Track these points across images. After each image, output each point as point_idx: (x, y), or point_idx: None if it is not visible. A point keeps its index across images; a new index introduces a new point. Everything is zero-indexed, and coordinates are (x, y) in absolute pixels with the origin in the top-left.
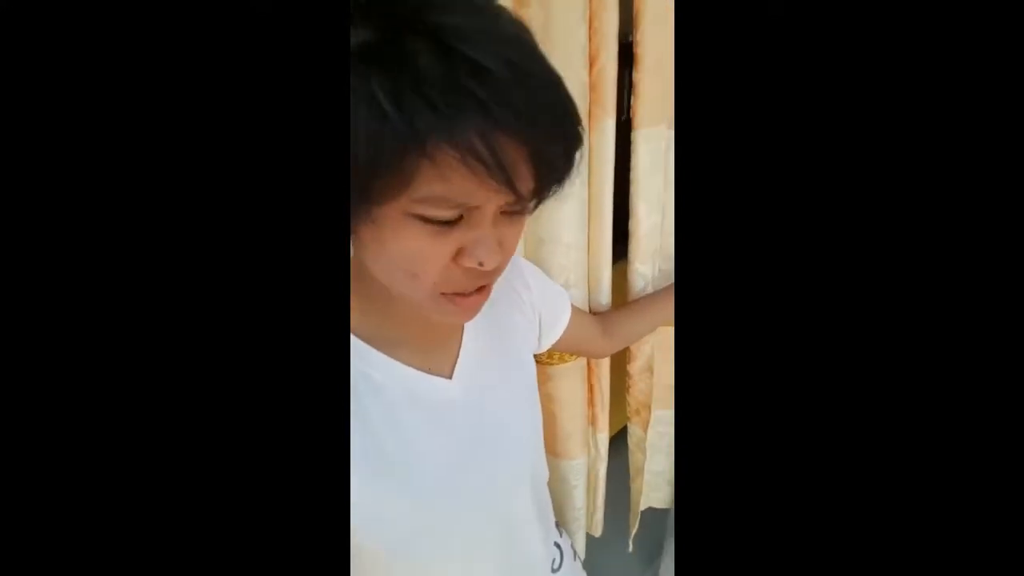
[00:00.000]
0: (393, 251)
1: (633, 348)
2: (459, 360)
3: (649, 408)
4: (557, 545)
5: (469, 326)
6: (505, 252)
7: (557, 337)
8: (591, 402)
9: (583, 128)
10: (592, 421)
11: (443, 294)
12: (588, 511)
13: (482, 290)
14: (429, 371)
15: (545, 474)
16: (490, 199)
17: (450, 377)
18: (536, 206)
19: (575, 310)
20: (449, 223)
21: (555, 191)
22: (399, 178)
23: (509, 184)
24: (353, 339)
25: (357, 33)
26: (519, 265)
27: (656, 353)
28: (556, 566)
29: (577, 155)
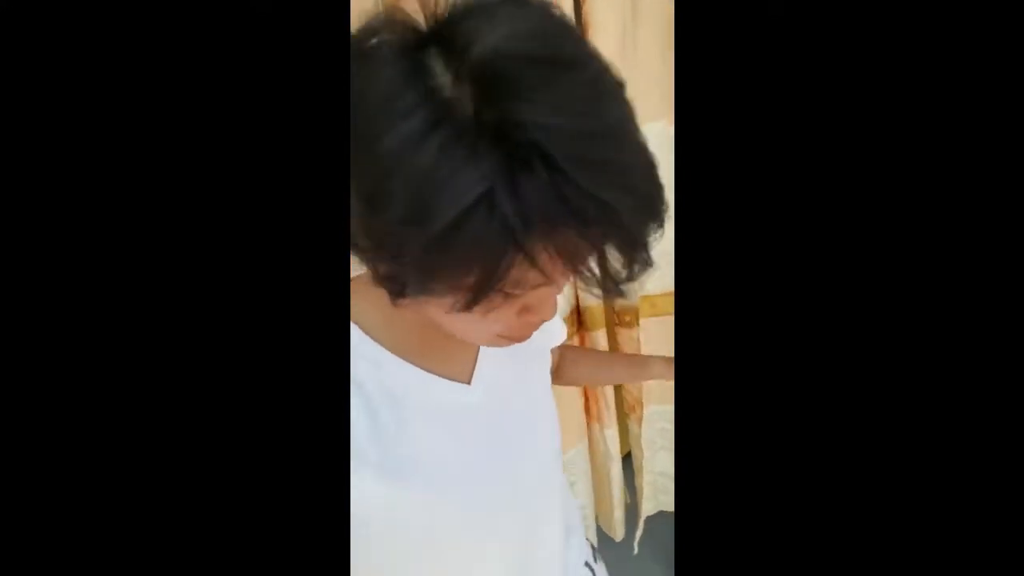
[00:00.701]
0: (465, 317)
1: (620, 343)
2: (477, 365)
3: (642, 404)
4: (589, 567)
5: None
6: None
7: (562, 338)
8: (591, 396)
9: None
10: (597, 417)
11: (500, 335)
12: (604, 512)
13: (530, 333)
14: (448, 377)
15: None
16: (542, 289)
17: (469, 382)
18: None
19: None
20: (516, 297)
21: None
22: (496, 278)
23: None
24: (375, 346)
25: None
26: None
27: (644, 348)
28: None
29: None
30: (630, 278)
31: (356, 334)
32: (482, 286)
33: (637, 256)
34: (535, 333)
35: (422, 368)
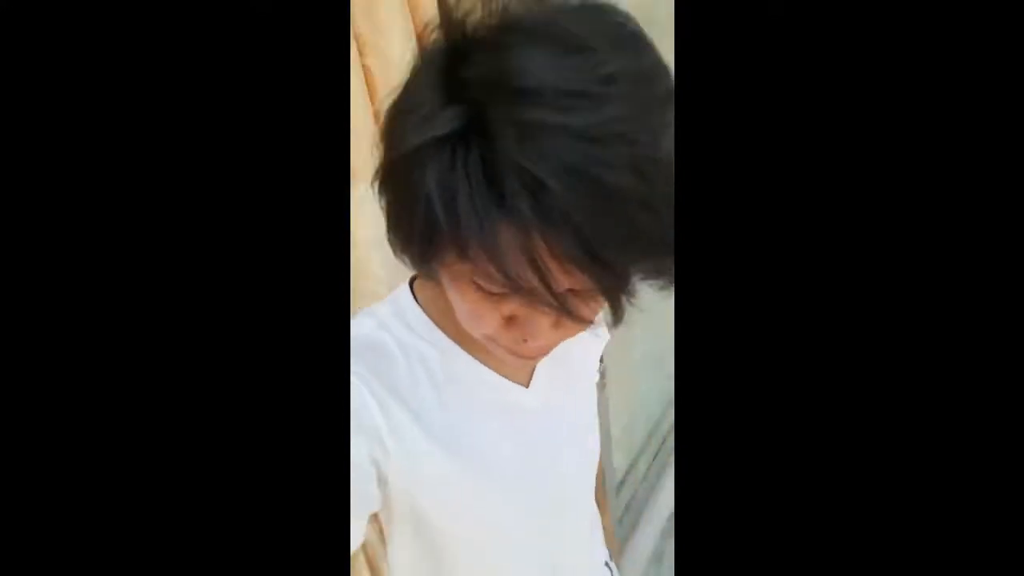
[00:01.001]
0: (455, 298)
1: None
2: (536, 370)
3: None
4: (608, 567)
5: None
6: (561, 334)
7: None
8: None
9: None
10: None
11: (490, 339)
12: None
13: (526, 354)
14: (508, 377)
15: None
16: (536, 292)
17: (527, 386)
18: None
19: None
20: (504, 295)
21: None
22: (459, 250)
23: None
24: (444, 337)
25: (446, 114)
26: None
27: None
28: None
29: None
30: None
31: (427, 325)
32: (424, 237)
33: (600, 280)
34: (589, 353)
35: (486, 364)
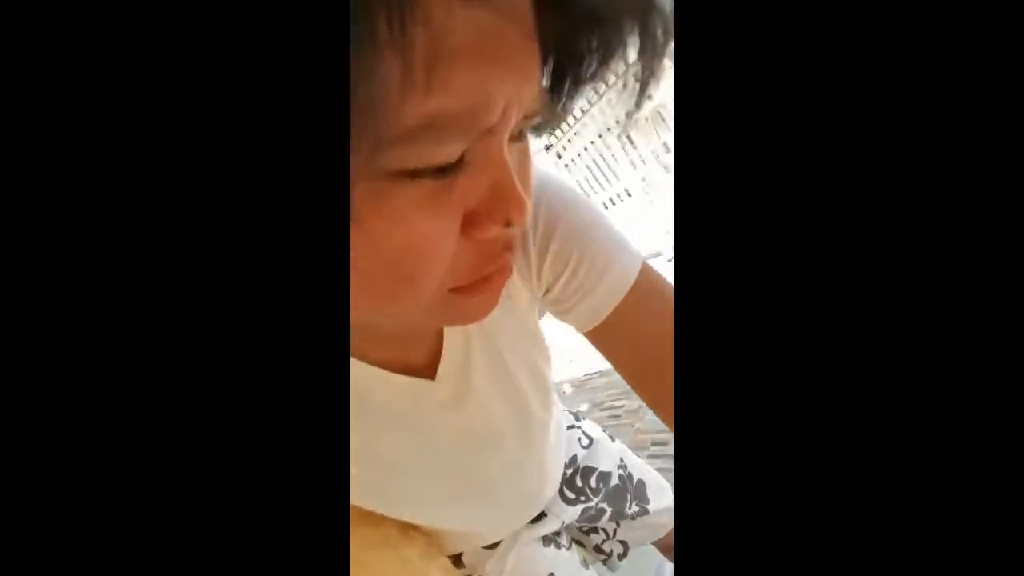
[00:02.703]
0: (376, 249)
1: None
2: (443, 355)
3: None
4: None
5: None
6: (528, 197)
7: (595, 320)
8: None
9: None
10: None
11: (454, 290)
12: None
13: (504, 267)
14: (408, 372)
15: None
16: (509, 106)
17: (433, 378)
18: (558, 121)
19: (646, 282)
20: (450, 170)
21: (590, 87)
22: (377, 93)
23: (544, 59)
24: None
25: None
26: (555, 209)
27: None
28: (585, 444)
29: (660, 33)
30: (576, 89)
31: None
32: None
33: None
34: (524, 299)
35: (374, 364)
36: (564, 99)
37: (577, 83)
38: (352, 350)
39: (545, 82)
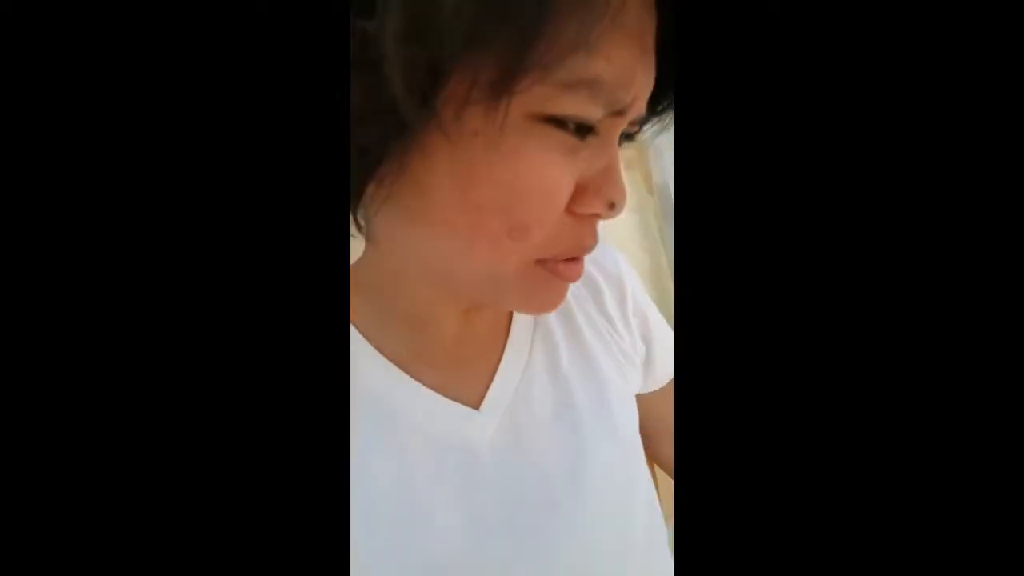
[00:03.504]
0: (498, 189)
1: None
2: (494, 381)
3: None
4: None
5: (517, 335)
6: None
7: (669, 378)
8: None
9: None
10: None
11: (540, 262)
12: None
13: (580, 260)
14: (454, 397)
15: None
16: (636, 102)
17: (477, 407)
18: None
19: None
20: (583, 135)
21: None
22: (560, 40)
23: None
24: (370, 349)
25: None
26: (619, 271)
27: None
28: None
29: None
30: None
31: (353, 335)
32: (521, 49)
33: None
34: (611, 359)
35: (419, 380)
36: (655, 115)
37: (658, 110)
38: (402, 366)
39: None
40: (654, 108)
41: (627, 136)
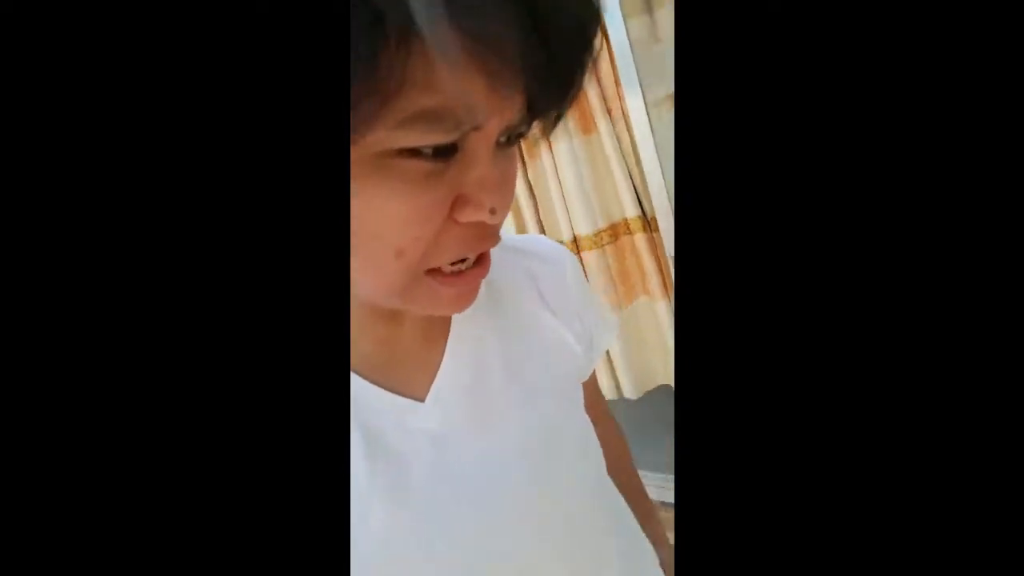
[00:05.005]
0: (371, 218)
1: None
2: (438, 375)
3: None
4: None
5: (458, 329)
6: (511, 193)
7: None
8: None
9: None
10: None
11: (432, 272)
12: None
13: (481, 261)
14: (403, 393)
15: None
16: (494, 116)
17: (423, 399)
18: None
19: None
20: (445, 155)
21: (555, 113)
22: (381, 86)
23: (525, 85)
24: None
25: None
26: (557, 256)
27: None
28: None
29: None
30: (544, 111)
31: None
32: (356, 83)
33: (561, 76)
34: (559, 352)
35: (372, 380)
36: (539, 117)
37: (548, 107)
38: (356, 368)
39: (524, 101)
40: (535, 111)
41: (519, 135)
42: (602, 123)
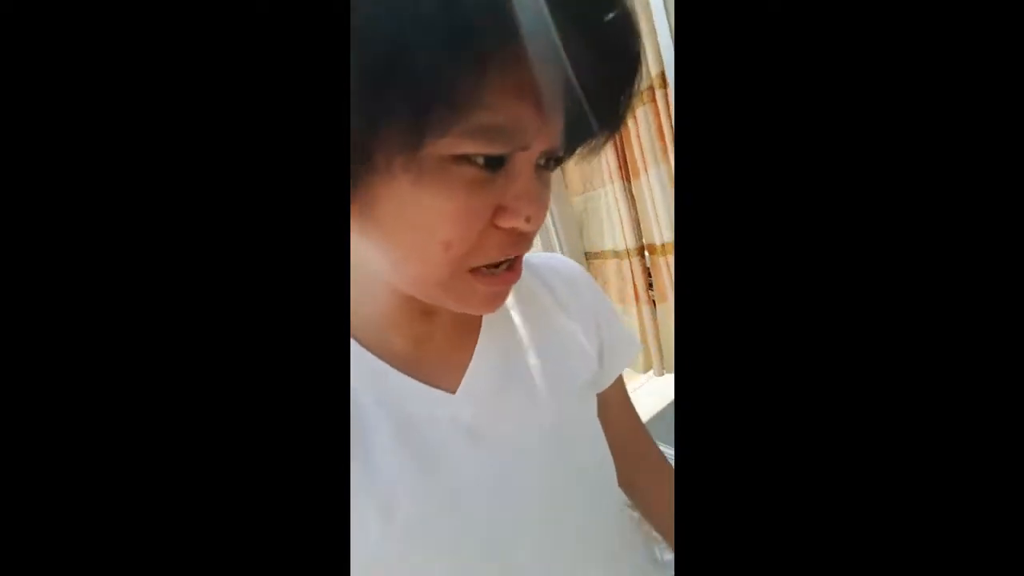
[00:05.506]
0: (425, 213)
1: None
2: (469, 369)
3: None
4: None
5: (488, 330)
6: (545, 208)
7: (619, 371)
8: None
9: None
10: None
11: (472, 271)
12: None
13: (514, 266)
14: (435, 385)
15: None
16: (538, 139)
17: (454, 392)
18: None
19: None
20: (493, 167)
21: (595, 144)
22: (458, 101)
23: (566, 112)
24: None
25: None
26: (573, 274)
27: None
28: None
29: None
30: (580, 143)
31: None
32: (436, 97)
33: (604, 109)
34: (572, 359)
35: (405, 373)
36: (575, 145)
37: (584, 139)
38: (392, 362)
39: (563, 128)
40: (574, 140)
41: (556, 160)
42: None
